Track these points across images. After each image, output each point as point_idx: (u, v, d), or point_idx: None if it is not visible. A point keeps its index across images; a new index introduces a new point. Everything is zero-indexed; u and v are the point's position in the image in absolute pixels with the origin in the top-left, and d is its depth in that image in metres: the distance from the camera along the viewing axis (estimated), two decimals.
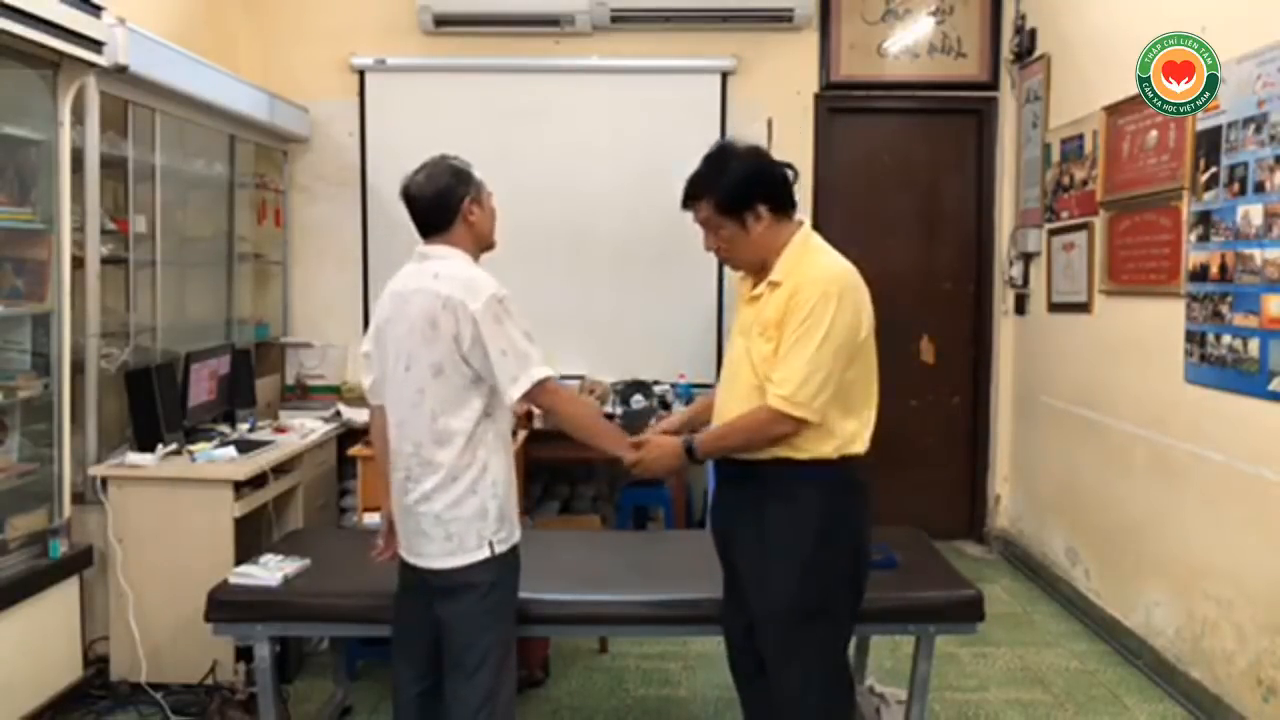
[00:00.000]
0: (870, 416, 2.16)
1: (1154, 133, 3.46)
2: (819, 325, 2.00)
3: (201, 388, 3.73)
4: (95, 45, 2.99)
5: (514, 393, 2.10)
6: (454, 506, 2.14)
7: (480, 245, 2.28)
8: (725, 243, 2.14)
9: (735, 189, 2.08)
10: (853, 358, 2.06)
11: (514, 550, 2.24)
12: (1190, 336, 3.19)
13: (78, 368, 3.17)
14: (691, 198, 2.14)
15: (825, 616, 2.12)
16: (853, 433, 2.10)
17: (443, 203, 2.19)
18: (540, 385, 2.11)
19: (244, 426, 3.92)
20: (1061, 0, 4.33)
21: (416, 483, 2.16)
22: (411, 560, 2.23)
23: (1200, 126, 3.14)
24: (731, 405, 2.15)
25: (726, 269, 4.78)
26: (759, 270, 2.16)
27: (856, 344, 2.06)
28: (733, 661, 2.38)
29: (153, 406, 3.40)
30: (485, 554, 2.16)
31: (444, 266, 2.16)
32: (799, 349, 2.01)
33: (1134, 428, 3.59)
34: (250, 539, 3.36)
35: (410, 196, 2.21)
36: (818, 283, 2.03)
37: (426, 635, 2.24)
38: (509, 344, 2.10)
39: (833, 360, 2.01)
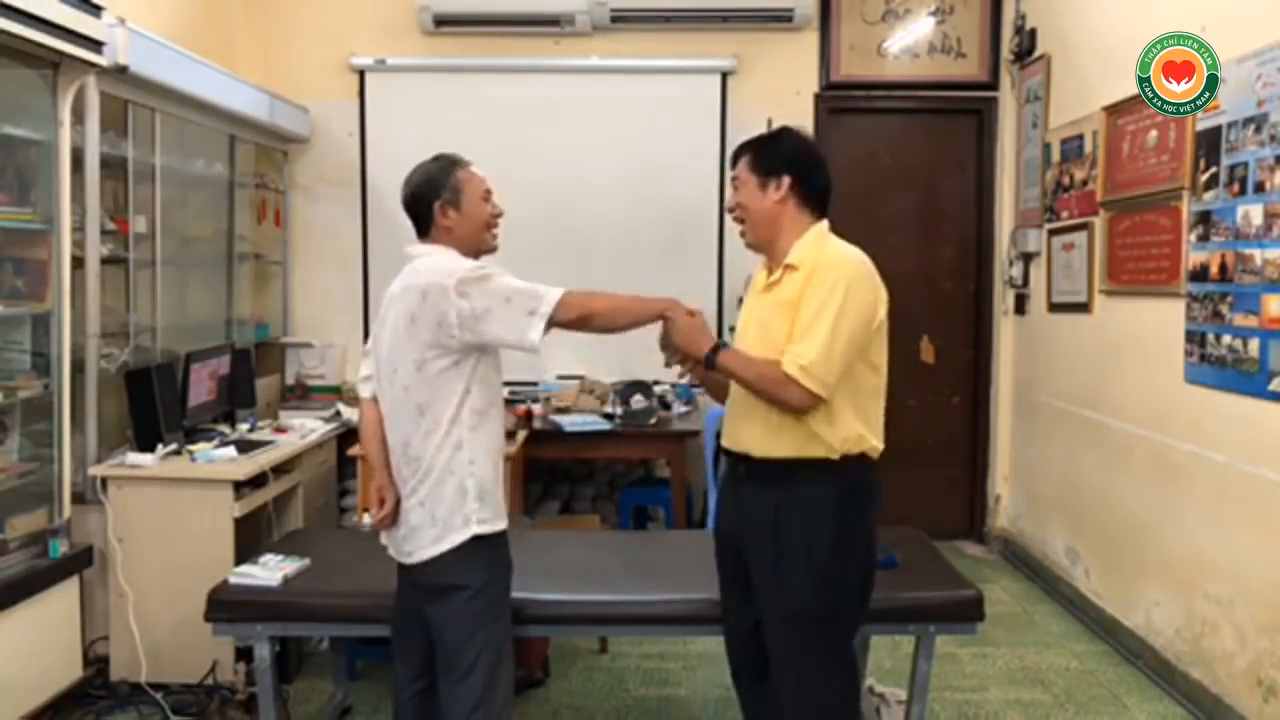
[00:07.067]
0: (880, 418, 2.15)
1: (1154, 133, 3.46)
2: (837, 302, 2.01)
3: (201, 388, 3.73)
4: (95, 45, 2.99)
5: (537, 325, 2.04)
6: (434, 489, 2.11)
7: (467, 249, 2.19)
8: (743, 199, 2.21)
9: (773, 151, 2.19)
10: (865, 347, 2.07)
11: (503, 548, 2.21)
12: (1190, 336, 3.19)
13: (78, 368, 3.17)
14: (738, 153, 2.25)
15: (838, 620, 2.12)
16: (861, 430, 2.10)
17: (414, 206, 2.19)
18: (561, 304, 2.06)
19: (244, 426, 3.92)
20: (1061, 0, 4.34)
21: (405, 482, 2.16)
22: (404, 560, 2.21)
23: (1200, 126, 3.14)
24: (744, 394, 2.14)
25: (727, 269, 4.90)
26: (761, 246, 2.23)
27: (871, 330, 2.07)
28: (734, 664, 2.36)
29: (153, 406, 3.39)
30: (470, 533, 2.11)
31: (424, 261, 2.15)
32: (819, 323, 2.01)
33: (1134, 428, 3.59)
34: (250, 539, 3.36)
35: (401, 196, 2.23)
36: (838, 263, 2.07)
37: (421, 636, 2.23)
38: (509, 290, 2.05)
39: (848, 340, 2.02)
